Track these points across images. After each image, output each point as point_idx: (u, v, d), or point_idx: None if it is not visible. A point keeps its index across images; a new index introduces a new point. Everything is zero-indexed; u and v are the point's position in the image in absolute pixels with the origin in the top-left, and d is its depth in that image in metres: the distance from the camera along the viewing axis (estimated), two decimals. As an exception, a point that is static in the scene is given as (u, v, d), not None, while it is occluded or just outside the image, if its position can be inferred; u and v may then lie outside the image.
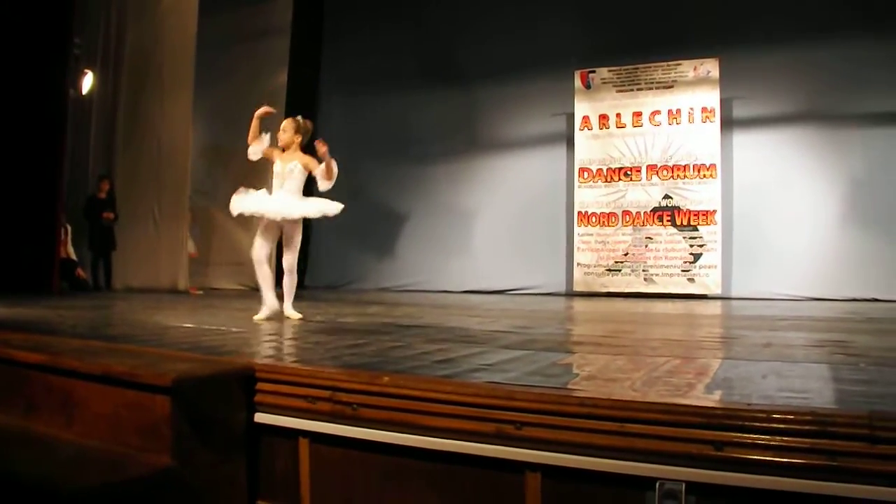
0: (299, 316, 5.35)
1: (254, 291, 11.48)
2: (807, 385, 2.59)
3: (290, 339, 4.20)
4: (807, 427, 1.86)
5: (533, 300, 9.88)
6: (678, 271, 10.75)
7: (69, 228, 10.13)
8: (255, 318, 5.19)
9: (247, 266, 12.18)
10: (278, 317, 5.28)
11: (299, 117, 5.57)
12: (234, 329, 4.60)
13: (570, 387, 2.42)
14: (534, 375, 2.67)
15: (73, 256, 10.21)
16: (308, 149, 5.40)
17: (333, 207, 5.22)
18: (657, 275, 10.87)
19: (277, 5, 12.49)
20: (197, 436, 2.44)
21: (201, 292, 10.51)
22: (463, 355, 3.32)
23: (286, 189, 5.26)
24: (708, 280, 10.58)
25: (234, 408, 2.59)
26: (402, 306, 7.71)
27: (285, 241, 5.29)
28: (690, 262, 10.70)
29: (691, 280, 10.66)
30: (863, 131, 10.12)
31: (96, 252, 10.39)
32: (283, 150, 5.39)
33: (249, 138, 5.49)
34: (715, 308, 8.52)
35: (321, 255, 13.27)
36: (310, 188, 5.47)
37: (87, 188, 10.50)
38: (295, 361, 2.99)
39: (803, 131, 10.56)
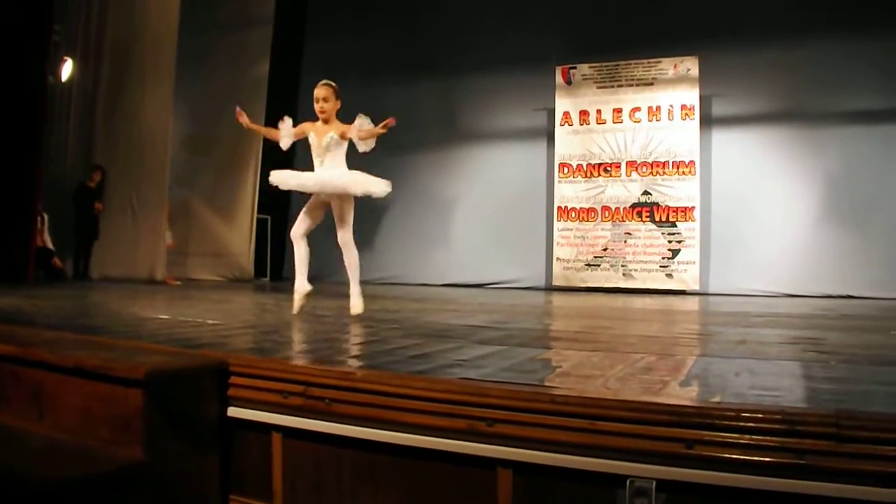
0: (360, 310, 4.99)
1: (232, 282, 11.54)
2: (778, 383, 2.61)
3: (264, 331, 4.19)
4: (776, 426, 1.88)
5: (512, 294, 9.90)
6: (657, 267, 10.82)
7: (46, 217, 10.03)
8: (293, 310, 5.02)
9: (225, 257, 12.18)
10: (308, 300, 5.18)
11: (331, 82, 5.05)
12: (209, 321, 4.58)
13: (543, 383, 2.43)
14: (508, 371, 2.68)
15: (50, 245, 10.12)
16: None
17: (380, 186, 4.87)
18: (636, 270, 10.93)
19: (259, -5, 12.42)
20: (169, 429, 2.43)
21: (179, 283, 10.45)
22: (438, 350, 3.33)
23: (329, 163, 4.86)
24: (686, 276, 10.65)
25: (206, 401, 2.58)
26: (379, 299, 7.70)
27: (337, 218, 4.90)
28: (669, 258, 10.76)
29: (669, 276, 10.73)
30: (839, 130, 10.23)
31: (81, 241, 10.32)
32: (321, 122, 4.94)
33: (269, 136, 5.25)
34: (692, 304, 8.58)
35: (301, 247, 13.22)
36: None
37: (64, 176, 10.41)
38: (269, 355, 2.98)
39: (781, 129, 10.66)
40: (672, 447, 1.93)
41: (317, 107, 4.92)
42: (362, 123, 4.80)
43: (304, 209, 4.96)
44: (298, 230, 4.95)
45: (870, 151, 9.99)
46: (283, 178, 5.02)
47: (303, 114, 13.93)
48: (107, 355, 2.62)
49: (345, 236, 4.93)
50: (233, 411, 2.64)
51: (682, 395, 2.31)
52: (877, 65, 9.89)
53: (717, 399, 2.22)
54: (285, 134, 5.05)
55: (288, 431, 2.54)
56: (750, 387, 2.49)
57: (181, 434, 2.48)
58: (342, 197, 4.82)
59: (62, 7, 10.08)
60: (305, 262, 5.05)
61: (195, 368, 2.61)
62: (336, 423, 2.43)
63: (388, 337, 3.91)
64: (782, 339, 4.42)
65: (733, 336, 4.42)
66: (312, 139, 4.90)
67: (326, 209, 4.94)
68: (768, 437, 1.88)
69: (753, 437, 1.89)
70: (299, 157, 13.57)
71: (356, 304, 4.97)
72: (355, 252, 5.00)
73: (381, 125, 4.68)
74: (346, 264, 5.01)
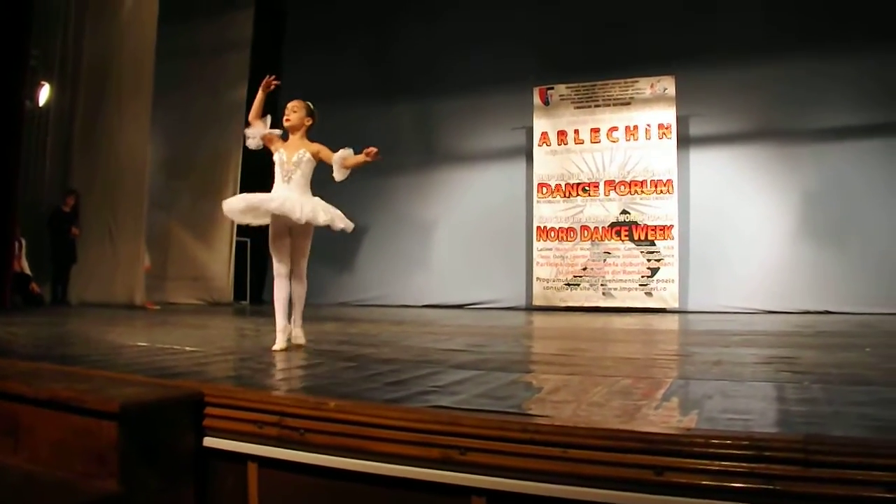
0: (302, 341, 4.58)
1: (211, 306, 11.50)
2: (750, 406, 2.64)
3: (242, 359, 4.18)
4: (744, 451, 1.90)
5: (492, 315, 9.92)
6: (636, 286, 10.88)
7: (23, 242, 9.97)
8: (273, 348, 4.37)
9: (204, 281, 12.14)
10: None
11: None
12: (187, 348, 4.56)
13: (515, 410, 2.44)
14: (483, 398, 2.70)
15: (27, 271, 10.04)
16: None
17: (345, 223, 4.49)
18: (615, 289, 10.98)
19: (238, 19, 12.48)
20: (144, 461, 2.42)
21: (158, 307, 10.38)
22: (415, 376, 3.34)
23: (293, 184, 4.45)
24: (665, 294, 10.71)
25: (182, 432, 2.58)
26: (358, 323, 7.70)
27: (293, 248, 4.49)
28: (648, 277, 10.83)
29: (649, 294, 10.79)
30: (815, 147, 10.38)
31: (58, 265, 10.25)
32: (288, 138, 4.61)
33: (251, 116, 4.70)
34: (672, 323, 8.63)
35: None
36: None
37: (41, 201, 10.36)
38: (245, 385, 2.98)
39: (757, 147, 10.79)
40: (642, 474, 1.95)
41: (284, 118, 4.63)
42: (348, 154, 4.46)
43: (271, 243, 4.49)
44: (281, 269, 4.46)
45: (845, 168, 10.13)
46: (232, 206, 4.53)
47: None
48: (82, 387, 2.62)
49: (301, 268, 4.54)
50: (209, 441, 2.65)
51: (654, 420, 2.33)
52: (851, 83, 10.05)
53: (689, 425, 2.25)
54: (257, 132, 4.63)
55: (264, 461, 2.55)
56: (722, 410, 2.52)
57: (157, 466, 2.47)
58: (306, 225, 4.41)
59: (40, 31, 10.07)
60: (286, 302, 4.48)
61: (171, 399, 2.61)
62: (311, 452, 2.44)
63: (365, 363, 3.92)
64: (758, 358, 4.46)
65: (710, 356, 4.46)
66: (281, 155, 4.53)
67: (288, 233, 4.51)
68: (737, 464, 1.90)
69: (723, 463, 1.91)
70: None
71: (300, 336, 4.59)
72: (306, 284, 4.59)
73: (363, 153, 4.38)
74: (294, 296, 4.53)
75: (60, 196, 10.39)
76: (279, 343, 4.37)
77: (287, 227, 4.43)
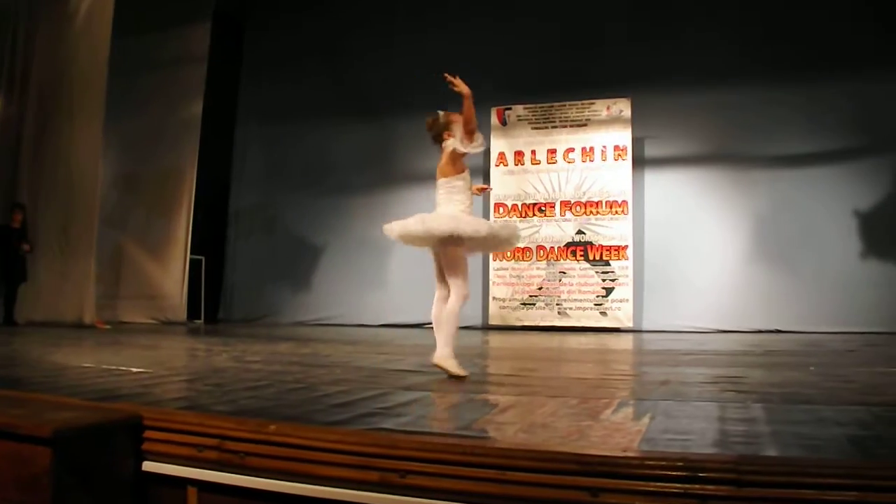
0: (454, 371, 4.17)
1: (164, 325, 11.33)
2: (691, 426, 2.67)
3: (189, 381, 4.13)
4: (679, 473, 1.93)
5: (448, 334, 9.88)
6: (591, 305, 10.95)
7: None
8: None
9: (157, 299, 11.96)
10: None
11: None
12: (133, 369, 4.48)
13: (458, 432, 2.45)
14: (427, 420, 2.70)
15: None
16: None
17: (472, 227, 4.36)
18: (571, 308, 11.05)
19: (194, 33, 12.33)
20: (79, 487, 2.37)
21: (108, 327, 10.19)
22: (363, 398, 3.33)
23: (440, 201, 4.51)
24: (620, 313, 10.80)
25: (120, 457, 2.53)
26: (313, 342, 7.65)
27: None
28: (603, 296, 10.91)
29: (604, 314, 10.87)
30: (767, 172, 10.58)
31: (7, 283, 9.98)
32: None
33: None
34: (626, 342, 8.70)
35: (236, 288, 13.11)
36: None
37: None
38: (186, 407, 2.94)
39: (711, 170, 10.98)
40: (578, 496, 1.96)
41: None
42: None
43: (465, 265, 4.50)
44: (439, 293, 4.56)
45: (796, 193, 10.35)
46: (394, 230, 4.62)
47: (238, 155, 13.92)
48: (17, 412, 2.55)
49: (450, 299, 4.52)
50: (148, 466, 2.60)
51: (594, 441, 2.35)
52: (802, 110, 10.31)
53: (629, 445, 2.26)
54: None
55: (204, 486, 2.51)
56: (663, 431, 2.55)
57: (93, 491, 2.42)
58: (441, 243, 4.44)
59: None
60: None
61: (108, 423, 2.55)
62: (251, 476, 2.42)
63: (314, 384, 3.89)
64: (705, 378, 4.51)
65: (658, 376, 4.50)
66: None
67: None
68: (672, 485, 1.92)
69: (658, 484, 1.93)
70: (233, 197, 13.45)
71: (449, 365, 4.25)
72: (453, 319, 4.46)
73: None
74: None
75: (7, 212, 10.13)
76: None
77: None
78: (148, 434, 2.60)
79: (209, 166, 12.43)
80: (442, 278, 4.51)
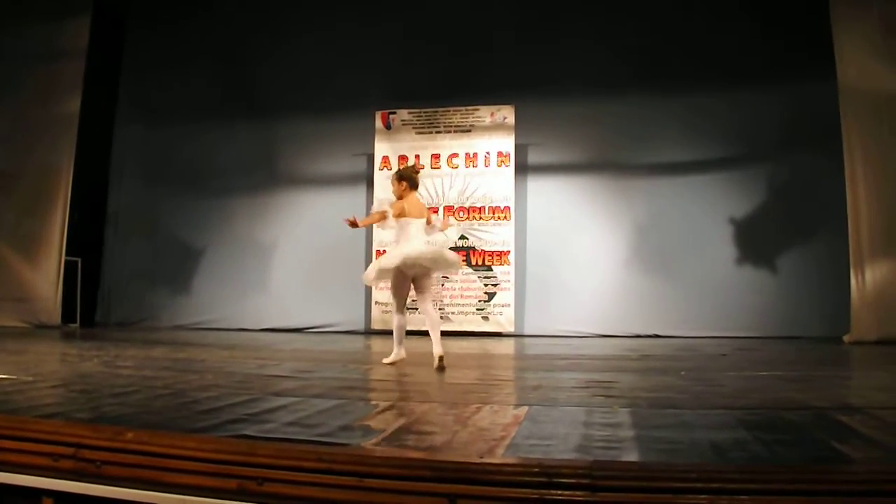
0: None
1: (37, 329, 10.76)
2: (556, 431, 2.69)
3: (53, 386, 3.92)
4: (535, 478, 1.93)
5: (330, 338, 9.80)
6: (473, 310, 11.03)
7: None
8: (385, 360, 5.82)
9: (29, 302, 11.33)
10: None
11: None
12: (-8, 375, 4.23)
13: (318, 439, 2.39)
14: (292, 426, 2.63)
15: None
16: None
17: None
18: (453, 313, 11.09)
19: (72, 26, 11.68)
20: None
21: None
22: (230, 404, 3.23)
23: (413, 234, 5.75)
24: (501, 318, 10.92)
25: (-38, 469, 2.37)
26: (189, 347, 7.41)
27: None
28: (485, 301, 11.01)
29: (486, 318, 10.96)
30: (646, 179, 10.90)
31: None
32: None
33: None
34: (506, 347, 8.79)
35: (114, 291, 12.58)
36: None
37: None
38: (46, 415, 2.78)
39: (592, 178, 11.23)
40: (436, 502, 1.94)
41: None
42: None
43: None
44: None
45: (674, 200, 10.69)
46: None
47: (118, 154, 13.34)
48: None
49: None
50: (0, 477, 2.46)
51: (455, 448, 2.34)
52: (679, 119, 10.65)
53: (492, 451, 2.26)
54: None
55: (59, 496, 2.41)
56: (527, 436, 2.56)
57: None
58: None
59: None
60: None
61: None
62: (108, 485, 2.32)
63: (183, 390, 3.76)
64: (577, 383, 4.58)
65: (531, 381, 4.55)
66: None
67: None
68: (529, 490, 1.93)
69: (515, 489, 1.93)
70: (112, 197, 12.89)
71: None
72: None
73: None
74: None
75: None
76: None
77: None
78: (0, 444, 2.45)
79: (88, 165, 11.86)
80: (405, 294, 5.75)
